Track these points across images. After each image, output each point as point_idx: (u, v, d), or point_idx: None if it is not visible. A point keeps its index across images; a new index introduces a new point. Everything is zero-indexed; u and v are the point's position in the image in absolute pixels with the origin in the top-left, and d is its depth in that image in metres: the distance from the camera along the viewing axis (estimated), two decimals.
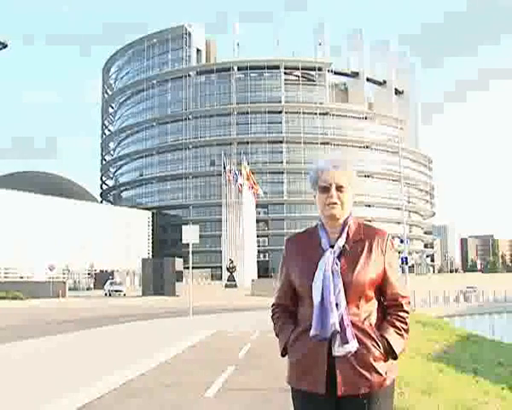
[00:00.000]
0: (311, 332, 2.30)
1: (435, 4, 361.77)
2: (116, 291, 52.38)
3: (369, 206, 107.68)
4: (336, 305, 2.30)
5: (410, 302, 2.47)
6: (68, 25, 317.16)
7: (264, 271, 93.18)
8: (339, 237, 2.42)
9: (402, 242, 43.52)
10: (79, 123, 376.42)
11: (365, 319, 2.35)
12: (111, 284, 54.71)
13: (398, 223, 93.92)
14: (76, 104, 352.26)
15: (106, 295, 52.29)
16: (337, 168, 2.45)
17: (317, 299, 2.31)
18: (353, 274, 2.33)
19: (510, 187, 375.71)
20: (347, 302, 2.32)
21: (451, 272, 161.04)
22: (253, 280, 61.30)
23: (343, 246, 2.40)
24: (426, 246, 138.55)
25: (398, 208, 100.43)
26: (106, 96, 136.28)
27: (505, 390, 10.75)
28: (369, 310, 2.37)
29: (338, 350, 2.28)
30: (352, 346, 2.27)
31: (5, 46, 17.85)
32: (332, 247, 2.40)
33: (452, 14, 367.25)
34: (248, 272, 69.92)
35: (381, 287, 2.42)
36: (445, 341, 20.60)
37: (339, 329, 2.26)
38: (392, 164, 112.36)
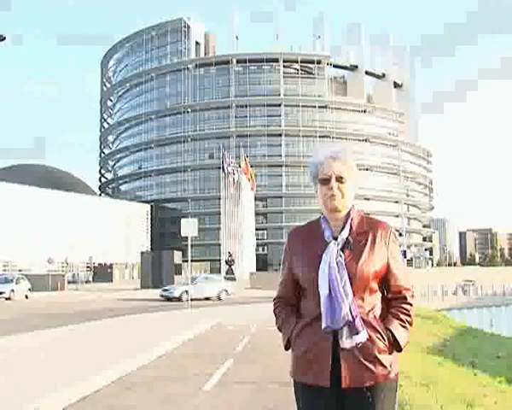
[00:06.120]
0: (323, 324, 2.28)
1: None
2: None
3: (368, 199, 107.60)
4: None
5: (413, 295, 2.46)
6: (68, 19, 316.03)
7: (262, 264, 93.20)
8: (342, 230, 2.41)
9: (401, 235, 43.67)
10: (78, 116, 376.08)
11: (369, 312, 2.33)
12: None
13: (397, 216, 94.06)
14: (75, 98, 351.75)
15: None
16: (336, 159, 2.43)
17: (324, 291, 2.29)
18: (357, 266, 2.32)
19: (509, 181, 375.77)
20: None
21: (450, 265, 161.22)
22: (251, 273, 61.32)
23: (347, 238, 2.38)
24: (424, 239, 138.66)
25: (397, 202, 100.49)
26: (105, 89, 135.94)
27: (503, 383, 10.78)
28: (373, 302, 2.36)
29: (346, 342, 2.26)
30: (363, 336, 2.26)
31: (3, 38, 17.76)
32: (335, 239, 2.39)
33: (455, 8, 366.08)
34: (247, 266, 69.99)
35: (385, 279, 2.41)
36: (443, 334, 20.65)
37: (351, 319, 2.25)
38: (392, 157, 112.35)
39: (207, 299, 33.01)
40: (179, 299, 31.85)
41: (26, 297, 36.00)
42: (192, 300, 31.01)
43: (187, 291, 32.05)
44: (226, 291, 34.74)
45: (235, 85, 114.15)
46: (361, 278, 2.32)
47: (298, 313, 2.47)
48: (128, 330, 15.98)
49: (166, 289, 33.82)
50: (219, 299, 33.23)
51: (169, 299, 32.26)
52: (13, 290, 34.77)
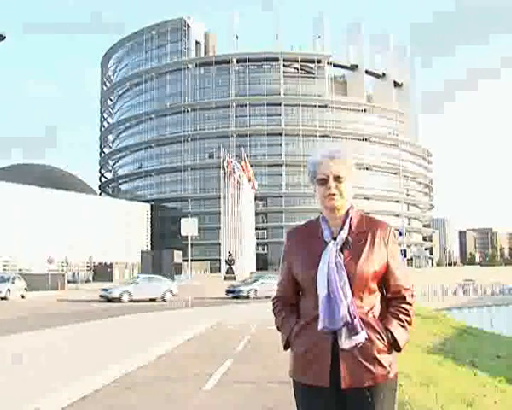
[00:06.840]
0: (320, 325, 2.27)
1: None
2: None
3: (368, 199, 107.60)
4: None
5: (413, 295, 2.46)
6: (68, 19, 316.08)
7: (262, 263, 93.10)
8: (341, 229, 2.39)
9: (401, 234, 43.64)
10: (78, 116, 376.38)
11: (369, 312, 2.33)
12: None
13: (397, 215, 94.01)
14: (75, 97, 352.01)
15: None
16: (334, 159, 2.41)
17: (323, 292, 2.28)
18: (357, 266, 2.31)
19: (509, 181, 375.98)
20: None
21: (450, 265, 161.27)
22: (251, 273, 61.31)
23: (346, 238, 2.37)
24: (424, 239, 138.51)
25: (397, 201, 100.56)
26: (105, 88, 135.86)
27: (503, 383, 10.77)
28: (372, 303, 2.35)
29: (345, 342, 2.26)
30: (362, 337, 2.25)
31: (3, 38, 17.74)
32: (334, 239, 2.38)
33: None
34: (247, 265, 69.93)
35: (385, 279, 2.40)
36: (443, 334, 20.64)
37: (350, 320, 2.24)
38: (392, 157, 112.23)
39: (152, 300, 31.05)
40: (119, 299, 30.14)
41: (23, 297, 35.65)
42: (134, 301, 29.89)
43: (128, 291, 30.90)
44: (171, 292, 32.44)
45: (235, 85, 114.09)
46: (360, 279, 2.31)
47: (297, 312, 2.46)
48: (128, 329, 15.98)
49: (105, 289, 31.99)
50: (164, 300, 30.84)
51: (109, 300, 30.46)
52: (9, 290, 34.47)
